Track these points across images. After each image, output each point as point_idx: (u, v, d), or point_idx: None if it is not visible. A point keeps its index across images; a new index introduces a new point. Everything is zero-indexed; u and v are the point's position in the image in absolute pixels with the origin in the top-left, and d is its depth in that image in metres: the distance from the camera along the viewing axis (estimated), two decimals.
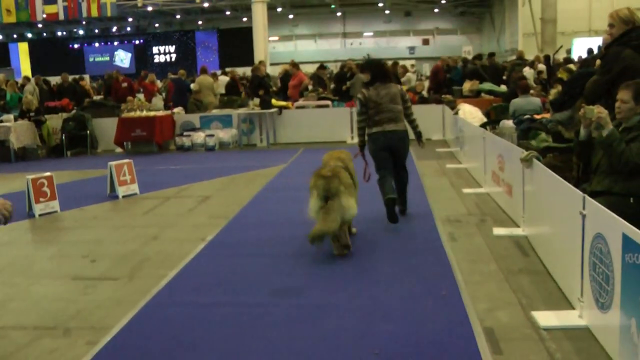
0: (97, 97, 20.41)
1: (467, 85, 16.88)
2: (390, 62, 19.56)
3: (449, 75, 18.74)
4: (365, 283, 5.48)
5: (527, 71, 17.47)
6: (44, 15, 33.30)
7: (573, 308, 4.64)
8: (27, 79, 22.69)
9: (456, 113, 12.87)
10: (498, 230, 6.87)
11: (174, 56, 45.85)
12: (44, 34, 49.33)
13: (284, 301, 5.15)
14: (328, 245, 6.32)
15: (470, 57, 24.93)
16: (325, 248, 6.43)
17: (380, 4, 42.11)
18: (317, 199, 6.10)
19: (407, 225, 7.40)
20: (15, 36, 48.72)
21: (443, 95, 16.79)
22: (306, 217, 6.90)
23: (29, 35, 48.73)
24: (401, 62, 23.28)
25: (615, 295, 3.78)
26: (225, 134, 15.92)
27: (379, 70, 7.74)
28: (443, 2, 40.68)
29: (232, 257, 6.38)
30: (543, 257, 5.76)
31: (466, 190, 9.22)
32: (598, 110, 5.03)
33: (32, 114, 16.12)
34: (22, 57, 47.18)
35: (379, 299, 5.09)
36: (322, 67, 18.99)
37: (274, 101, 16.25)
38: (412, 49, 45.23)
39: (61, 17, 33.60)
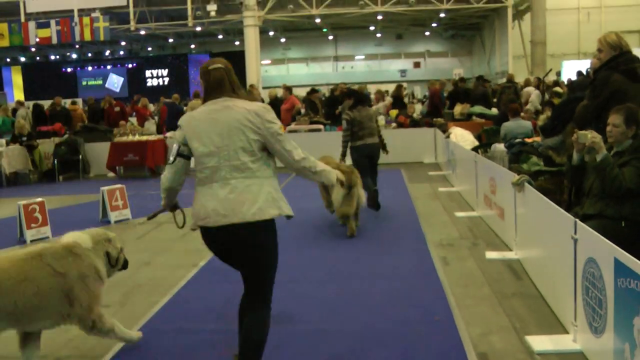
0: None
1: (458, 109, 16.98)
2: (394, 86, 19.88)
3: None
4: (358, 308, 5.47)
5: (533, 92, 17.43)
6: (37, 39, 33.40)
7: (567, 332, 4.64)
8: (19, 103, 22.71)
9: (448, 136, 12.92)
10: (491, 254, 6.88)
11: (167, 80, 45.96)
12: (37, 58, 49.36)
13: (277, 327, 5.08)
14: (320, 269, 6.31)
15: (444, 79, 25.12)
16: (318, 273, 6.44)
17: (372, 28, 42.36)
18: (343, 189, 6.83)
19: (399, 249, 7.40)
20: (8, 60, 48.75)
21: (434, 119, 16.86)
22: (298, 243, 6.91)
23: (22, 59, 48.75)
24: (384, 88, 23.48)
25: (608, 320, 3.78)
26: None
27: (360, 97, 9.92)
28: (434, 25, 40.95)
29: (224, 283, 6.31)
30: (536, 281, 5.76)
31: (458, 214, 9.23)
32: (592, 135, 5.07)
33: (24, 138, 16.09)
34: (15, 81, 47.20)
35: (372, 324, 5.07)
36: (314, 91, 19.04)
37: None
38: (403, 71, 45.46)
39: (54, 41, 33.72)
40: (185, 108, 19.15)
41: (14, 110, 20.61)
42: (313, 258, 7.10)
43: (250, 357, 4.04)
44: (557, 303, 5.04)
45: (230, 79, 4.10)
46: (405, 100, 26.12)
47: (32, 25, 33.23)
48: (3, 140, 16.19)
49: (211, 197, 3.99)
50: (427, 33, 44.42)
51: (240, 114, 3.93)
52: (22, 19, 33.88)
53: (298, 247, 7.51)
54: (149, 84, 45.62)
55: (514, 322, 4.95)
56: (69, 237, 4.86)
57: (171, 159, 4.28)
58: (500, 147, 10.75)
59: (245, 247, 4.03)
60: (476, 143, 12.37)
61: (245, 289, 4.29)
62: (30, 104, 22.62)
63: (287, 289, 6.07)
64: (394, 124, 16.59)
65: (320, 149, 15.14)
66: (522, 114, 12.34)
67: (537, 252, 5.87)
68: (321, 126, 16.62)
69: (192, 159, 4.19)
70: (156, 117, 19.82)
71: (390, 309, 5.38)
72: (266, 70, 43.70)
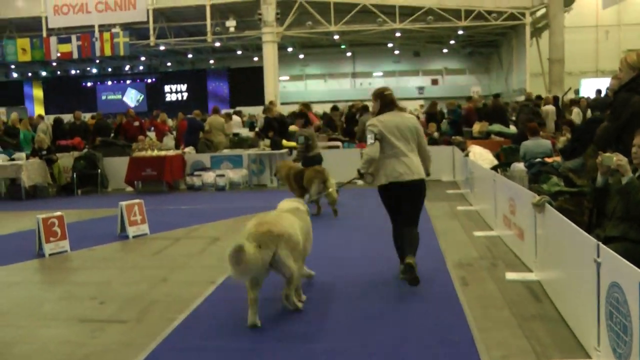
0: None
1: (477, 127, 16.91)
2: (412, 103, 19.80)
3: (452, 117, 18.78)
4: (376, 328, 5.42)
5: (575, 111, 17.31)
6: (58, 54, 33.84)
7: (589, 357, 4.56)
8: (40, 117, 22.93)
9: (466, 155, 12.86)
10: (510, 275, 6.81)
11: (185, 95, 46.22)
12: (58, 73, 49.87)
13: (294, 346, 5.09)
14: (339, 289, 6.28)
15: (477, 97, 25.05)
16: (336, 293, 6.41)
17: (390, 44, 42.45)
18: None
19: (418, 269, 7.32)
20: (29, 74, 49.29)
21: (453, 137, 16.81)
22: (318, 260, 6.88)
23: (43, 73, 49.28)
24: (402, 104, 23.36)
25: (634, 346, 3.71)
26: (235, 174, 15.95)
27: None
28: (452, 42, 40.98)
29: (241, 301, 6.28)
30: (557, 303, 5.68)
31: (477, 233, 9.16)
32: (617, 158, 5.02)
33: (44, 152, 16.22)
34: (35, 95, 47.71)
35: (391, 345, 5.03)
36: (334, 108, 19.08)
37: (284, 142, 16.30)
38: (421, 88, 45.47)
39: (75, 56, 34.15)
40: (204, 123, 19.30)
41: (35, 125, 20.77)
42: (332, 274, 7.08)
43: (414, 251, 6.56)
44: (579, 327, 4.96)
45: (394, 98, 6.94)
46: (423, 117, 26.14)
47: (53, 40, 33.69)
48: (23, 154, 16.33)
49: (399, 165, 6.63)
50: (444, 50, 44.46)
51: (410, 120, 6.96)
52: (44, 34, 34.35)
53: (318, 266, 7.47)
54: (167, 99, 45.91)
55: (534, 346, 4.88)
56: (291, 203, 6.73)
57: (372, 141, 6.65)
58: (519, 166, 10.68)
59: (415, 193, 6.73)
60: (495, 162, 12.31)
61: (403, 220, 6.76)
62: (51, 117, 22.86)
63: (305, 307, 6.05)
64: None
65: (339, 165, 15.25)
66: (541, 132, 12.26)
67: (557, 274, 5.80)
68: (339, 143, 16.62)
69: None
70: (174, 132, 19.91)
71: (408, 330, 5.33)
72: (284, 86, 43.87)
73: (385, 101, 6.84)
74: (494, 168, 11.31)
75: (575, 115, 17.39)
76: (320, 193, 10.82)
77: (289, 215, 6.10)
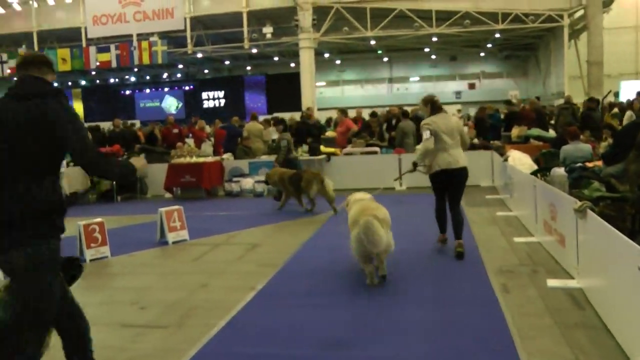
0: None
1: (516, 131, 16.74)
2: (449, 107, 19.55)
3: (491, 121, 18.60)
4: (416, 335, 5.39)
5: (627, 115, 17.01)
6: (97, 63, 34.38)
7: None
8: None
9: (505, 160, 12.73)
10: (552, 282, 6.70)
11: (222, 101, 46.56)
12: (97, 81, 50.71)
13: (335, 354, 5.08)
14: (379, 295, 6.27)
15: (515, 100, 24.77)
16: (373, 299, 6.39)
17: (427, 49, 42.28)
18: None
19: (458, 275, 7.29)
20: (69, 84, 50.19)
21: (492, 141, 16.65)
22: (355, 267, 6.86)
23: (82, 82, 50.15)
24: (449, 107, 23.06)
25: None
26: None
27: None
28: (489, 46, 40.66)
29: (282, 308, 6.33)
30: (600, 312, 5.58)
31: (517, 239, 9.04)
32: None
33: None
34: (75, 104, 48.47)
35: (432, 353, 4.99)
36: (373, 114, 19.04)
37: (322, 148, 16.30)
38: (458, 93, 45.21)
39: (114, 65, 34.67)
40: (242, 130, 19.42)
41: None
42: (364, 282, 7.05)
43: (460, 231, 8.18)
44: (623, 336, 4.87)
45: (440, 104, 8.69)
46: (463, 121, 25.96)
47: (92, 50, 34.27)
48: (64, 161, 16.56)
49: (448, 156, 8.15)
50: (481, 54, 44.16)
51: (454, 120, 8.61)
52: (84, 44, 34.96)
53: (357, 272, 7.45)
54: (205, 105, 46.29)
55: (577, 355, 4.80)
56: (364, 194, 8.19)
57: (428, 136, 8.10)
58: (560, 171, 10.54)
59: (461, 178, 8.30)
60: (534, 167, 12.16)
61: (450, 201, 8.35)
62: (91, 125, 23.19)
63: (343, 313, 6.05)
64: None
65: (376, 171, 15.22)
66: (581, 136, 12.08)
67: (600, 281, 5.70)
68: (377, 149, 16.57)
69: None
70: (212, 139, 20.05)
71: (447, 338, 5.28)
72: (321, 92, 43.98)
73: (435, 106, 8.51)
74: (534, 173, 11.17)
75: (628, 118, 17.02)
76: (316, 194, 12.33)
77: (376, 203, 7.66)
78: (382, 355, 5.02)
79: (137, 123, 25.76)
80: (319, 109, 31.73)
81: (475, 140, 17.26)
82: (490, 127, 18.44)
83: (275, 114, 26.60)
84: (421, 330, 5.52)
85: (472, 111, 36.31)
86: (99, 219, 9.52)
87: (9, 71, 35.72)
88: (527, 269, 7.44)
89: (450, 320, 5.72)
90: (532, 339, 5.16)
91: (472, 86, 46.30)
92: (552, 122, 18.71)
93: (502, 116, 19.38)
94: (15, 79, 4.41)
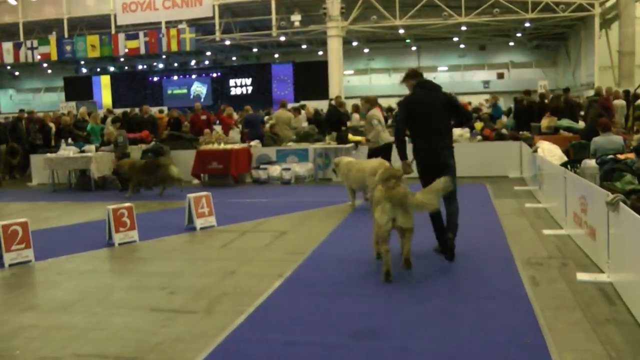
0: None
1: (545, 122, 16.57)
2: (477, 97, 19.51)
3: (491, 112, 18.50)
4: (446, 327, 5.37)
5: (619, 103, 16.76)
6: (126, 50, 34.64)
7: None
8: (109, 111, 23.50)
9: (535, 151, 12.62)
10: (582, 276, 6.64)
11: (250, 89, 46.59)
12: (125, 68, 51.06)
13: (364, 343, 5.09)
14: (403, 285, 6.28)
15: (544, 91, 24.50)
16: (401, 289, 6.39)
17: (455, 38, 41.97)
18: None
19: (486, 266, 7.25)
20: (98, 70, 50.60)
21: (520, 132, 16.52)
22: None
23: (111, 68, 50.51)
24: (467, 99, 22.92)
25: None
26: (301, 168, 16.01)
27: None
28: (518, 35, 40.22)
29: (310, 295, 6.35)
30: (631, 307, 5.52)
31: (546, 232, 8.97)
32: None
33: (112, 144, 16.64)
34: (103, 90, 48.88)
35: (461, 345, 4.98)
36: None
37: (350, 136, 16.29)
38: (486, 82, 44.77)
39: (142, 51, 34.91)
40: (267, 117, 19.49)
41: (104, 118, 21.35)
42: (396, 273, 7.02)
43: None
44: None
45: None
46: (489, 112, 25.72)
47: (121, 37, 34.53)
48: (93, 146, 16.78)
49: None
50: (511, 43, 43.69)
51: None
52: (113, 31, 35.21)
53: (374, 260, 7.45)
54: (232, 92, 46.34)
55: (609, 351, 4.75)
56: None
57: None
58: (591, 163, 10.41)
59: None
60: (564, 158, 12.04)
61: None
62: (119, 111, 23.44)
63: (372, 303, 6.05)
64: (478, 137, 16.33)
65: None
66: (612, 128, 11.93)
67: (632, 276, 5.63)
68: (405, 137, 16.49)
69: None
70: (240, 126, 20.13)
71: (478, 330, 5.26)
72: (349, 80, 43.83)
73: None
74: (564, 165, 11.06)
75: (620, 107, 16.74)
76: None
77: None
78: (413, 346, 5.01)
79: (165, 109, 25.82)
80: (347, 98, 31.61)
81: (504, 131, 17.12)
82: (490, 118, 18.32)
83: (302, 102, 26.64)
84: (451, 322, 5.50)
85: (501, 101, 36.05)
86: (127, 204, 9.62)
87: (39, 57, 36.11)
88: (557, 262, 7.39)
89: (480, 312, 5.69)
90: (563, 333, 5.13)
91: (500, 76, 45.81)
92: (582, 113, 18.49)
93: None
94: (418, 81, 7.83)
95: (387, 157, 11.91)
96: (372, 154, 12.34)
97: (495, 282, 6.59)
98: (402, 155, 7.75)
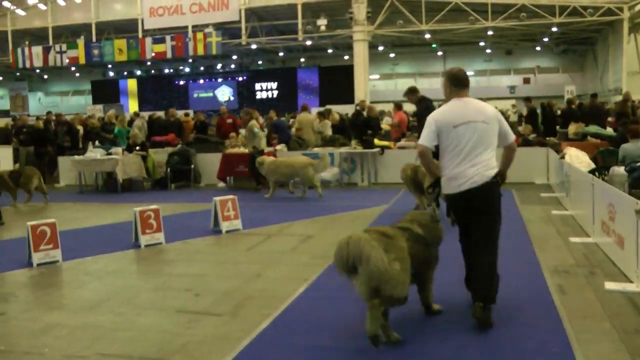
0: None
1: (573, 128, 16.44)
2: (503, 103, 19.47)
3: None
4: (473, 334, 5.33)
5: None
6: (153, 54, 34.93)
7: None
8: (136, 114, 23.73)
9: (562, 157, 12.52)
10: (610, 285, 6.55)
11: (275, 92, 46.80)
12: (152, 71, 51.54)
13: (388, 349, 5.06)
14: (435, 291, 6.26)
15: (571, 96, 24.35)
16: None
17: (482, 43, 41.80)
18: None
19: (512, 273, 7.17)
20: (125, 73, 51.13)
21: (547, 138, 16.39)
22: None
23: (138, 72, 51.03)
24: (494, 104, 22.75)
25: None
26: (326, 172, 15.96)
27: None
28: (545, 40, 39.94)
29: (335, 300, 6.33)
30: None
31: (573, 239, 8.87)
32: None
33: (137, 147, 16.81)
34: (130, 93, 49.39)
35: (488, 352, 4.95)
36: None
37: (376, 141, 16.26)
38: (512, 88, 44.51)
39: (169, 55, 35.19)
40: (292, 121, 19.52)
41: (131, 121, 21.55)
42: None
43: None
44: None
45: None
46: (515, 118, 25.60)
47: (148, 41, 34.85)
48: (119, 149, 16.95)
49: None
50: (537, 48, 43.43)
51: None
52: (140, 35, 35.54)
53: None
54: (258, 96, 46.61)
55: None
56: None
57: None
58: (620, 170, 10.31)
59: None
60: (592, 165, 11.93)
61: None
62: (146, 114, 23.66)
63: (401, 310, 5.99)
64: None
65: None
66: None
67: None
68: None
69: None
70: (265, 130, 20.17)
71: (506, 338, 5.23)
72: (374, 84, 43.83)
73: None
74: (592, 171, 10.96)
75: None
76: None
77: None
78: (438, 353, 4.99)
79: (191, 113, 26.04)
80: (372, 102, 31.61)
81: (532, 137, 17.00)
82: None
83: (328, 106, 26.67)
84: (476, 328, 5.45)
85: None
86: (154, 206, 9.70)
87: (67, 61, 36.55)
88: (584, 270, 7.31)
89: (506, 319, 5.63)
90: (591, 343, 5.06)
91: (527, 81, 45.55)
92: (611, 119, 18.33)
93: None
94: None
95: (253, 162, 14.78)
96: (254, 158, 14.74)
97: (522, 290, 6.53)
98: None
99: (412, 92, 12.96)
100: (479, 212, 5.59)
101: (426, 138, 5.74)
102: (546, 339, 5.15)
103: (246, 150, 16.28)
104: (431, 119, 5.82)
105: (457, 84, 5.92)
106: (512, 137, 5.87)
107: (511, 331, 5.37)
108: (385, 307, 4.99)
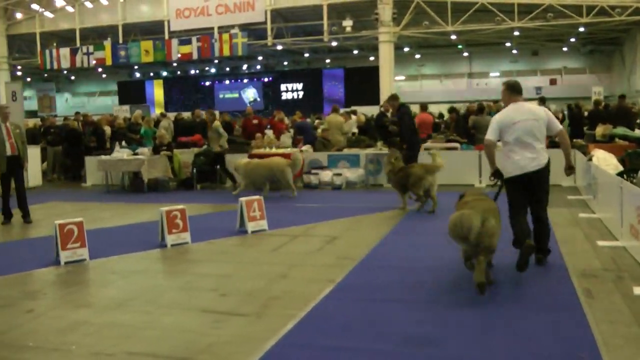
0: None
1: (600, 130, 16.26)
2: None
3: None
4: (500, 338, 5.30)
5: None
6: (179, 55, 35.11)
7: None
8: (162, 115, 23.92)
9: (590, 159, 12.39)
10: (638, 290, 6.45)
11: (301, 93, 46.84)
12: (178, 72, 51.88)
13: (417, 351, 5.05)
14: (458, 293, 6.23)
15: (599, 97, 24.09)
16: (457, 296, 6.34)
17: (508, 44, 41.46)
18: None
19: (539, 277, 7.13)
20: (151, 74, 51.52)
21: (574, 139, 16.24)
22: (435, 263, 6.76)
23: (164, 73, 51.38)
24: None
25: None
26: (352, 174, 15.96)
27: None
28: (572, 40, 39.48)
29: (361, 301, 6.33)
30: None
31: (601, 243, 8.77)
32: None
33: (164, 147, 16.94)
34: (156, 94, 49.73)
35: (512, 354, 4.92)
36: (452, 109, 18.86)
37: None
38: (538, 89, 43.94)
39: (195, 56, 35.36)
40: (317, 122, 19.55)
41: (157, 122, 21.72)
42: (451, 280, 7.01)
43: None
44: None
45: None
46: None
47: (174, 42, 35.06)
48: (146, 149, 17.10)
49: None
50: (564, 48, 42.94)
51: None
52: (166, 36, 35.76)
53: (437, 268, 7.42)
54: (283, 97, 46.68)
55: None
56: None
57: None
58: None
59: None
60: (620, 167, 11.79)
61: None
62: (172, 115, 23.84)
63: (427, 311, 6.01)
64: None
65: (456, 167, 14.94)
66: None
67: None
68: (457, 144, 16.35)
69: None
70: (291, 131, 20.24)
71: (533, 342, 5.17)
72: (399, 86, 43.67)
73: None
74: (620, 174, 10.83)
75: None
76: None
77: None
78: (465, 355, 4.96)
79: (217, 114, 26.13)
80: None
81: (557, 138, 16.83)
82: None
83: (353, 107, 26.66)
84: (503, 332, 5.43)
85: (553, 108, 35.46)
86: (180, 206, 9.75)
87: (94, 62, 36.89)
88: (612, 274, 7.21)
89: (533, 322, 5.60)
90: (619, 348, 4.99)
91: (553, 82, 45.02)
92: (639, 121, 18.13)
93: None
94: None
95: (223, 161, 16.26)
96: (217, 157, 15.97)
97: (549, 294, 6.47)
98: None
99: (393, 99, 13.88)
100: (538, 189, 7.51)
101: (491, 133, 7.46)
102: (574, 344, 5.09)
103: (272, 151, 16.32)
104: (494, 119, 7.58)
105: (513, 91, 7.60)
106: (559, 126, 7.68)
107: (538, 335, 5.32)
108: (487, 259, 6.54)
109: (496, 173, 7.53)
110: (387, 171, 12.41)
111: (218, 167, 16.64)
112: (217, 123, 15.81)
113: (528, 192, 7.47)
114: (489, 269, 6.71)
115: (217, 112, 22.39)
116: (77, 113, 22.71)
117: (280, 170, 14.29)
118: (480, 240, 6.27)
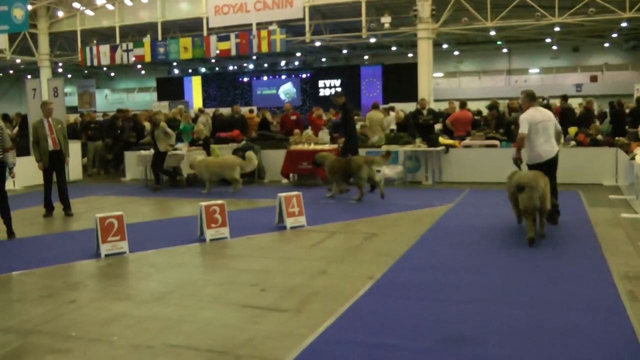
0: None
1: None
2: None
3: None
4: (543, 339, 5.21)
5: None
6: (217, 52, 35.27)
7: None
8: (200, 110, 24.10)
9: (633, 158, 12.16)
10: None
11: (338, 90, 46.77)
12: (216, 69, 52.20)
13: (457, 350, 5.02)
14: (499, 291, 6.17)
15: None
16: (497, 295, 6.29)
17: (548, 40, 40.84)
18: None
19: (582, 279, 7.02)
20: (190, 71, 51.93)
21: (617, 138, 15.95)
22: (474, 262, 6.70)
23: (202, 69, 51.74)
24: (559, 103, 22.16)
25: None
26: (390, 171, 15.89)
27: None
28: (614, 36, 38.72)
29: (400, 299, 6.31)
30: None
31: None
32: None
33: (200, 142, 17.08)
34: (194, 90, 50.09)
35: (555, 357, 4.85)
36: (491, 107, 18.66)
37: (440, 139, 16.12)
38: (579, 86, 43.31)
39: (233, 53, 35.47)
40: (355, 118, 19.46)
41: (196, 117, 21.94)
42: (493, 278, 6.96)
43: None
44: None
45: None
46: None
47: (213, 39, 35.22)
48: (184, 145, 17.25)
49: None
50: (606, 44, 42.19)
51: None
52: (205, 33, 35.95)
53: (474, 267, 7.36)
54: (321, 93, 46.66)
55: None
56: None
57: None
58: None
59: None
60: None
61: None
62: (211, 111, 24.02)
63: (467, 310, 5.97)
64: (572, 142, 15.86)
65: (495, 165, 14.80)
66: None
67: None
68: (497, 142, 16.18)
69: None
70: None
71: (573, 344, 5.10)
72: (437, 83, 43.37)
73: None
74: None
75: None
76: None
77: None
78: (505, 355, 4.92)
79: (255, 109, 26.23)
80: (436, 100, 31.36)
81: (599, 137, 16.57)
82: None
83: (391, 104, 26.55)
84: (545, 333, 5.36)
85: (594, 105, 34.87)
86: (220, 201, 9.83)
87: (133, 59, 37.24)
88: None
89: (575, 325, 5.52)
90: None
91: (594, 79, 44.25)
92: None
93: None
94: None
95: (157, 161, 16.28)
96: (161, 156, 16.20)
97: (591, 295, 6.37)
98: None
99: (338, 96, 15.64)
100: (552, 168, 9.78)
101: (523, 129, 9.60)
102: (617, 347, 5.01)
103: (310, 147, 16.36)
104: (523, 118, 9.74)
105: (532, 99, 10.01)
106: (559, 127, 10.22)
107: (580, 337, 5.26)
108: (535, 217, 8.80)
109: (517, 161, 9.82)
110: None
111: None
112: (163, 124, 16.23)
113: (544, 171, 9.35)
114: (542, 226, 8.92)
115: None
116: (119, 110, 23.03)
117: (229, 167, 15.24)
118: (543, 200, 8.64)
